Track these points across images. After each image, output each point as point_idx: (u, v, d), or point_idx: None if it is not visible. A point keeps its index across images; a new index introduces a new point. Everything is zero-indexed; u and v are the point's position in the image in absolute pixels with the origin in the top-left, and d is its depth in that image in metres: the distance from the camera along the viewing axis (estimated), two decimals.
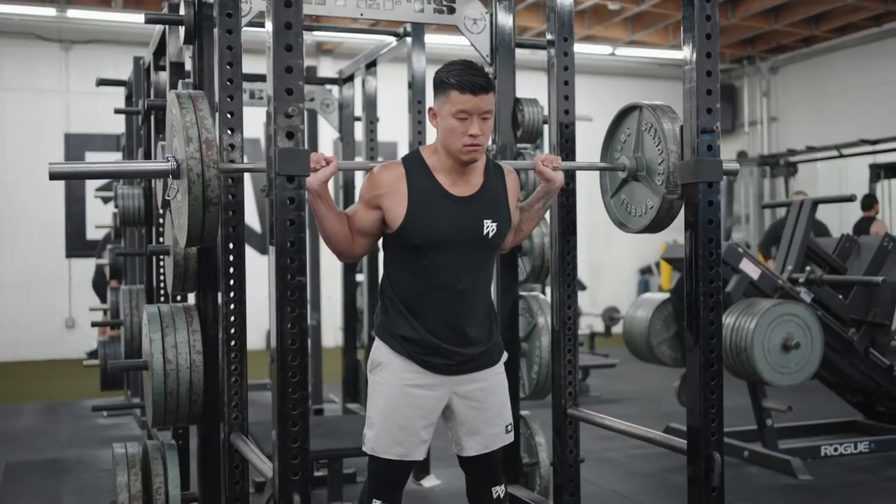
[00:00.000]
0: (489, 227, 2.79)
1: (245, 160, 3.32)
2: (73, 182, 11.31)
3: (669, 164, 2.88)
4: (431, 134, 5.15)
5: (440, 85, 2.72)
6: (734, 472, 5.04)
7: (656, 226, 3.04)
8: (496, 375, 2.91)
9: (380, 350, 2.83)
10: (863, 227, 9.03)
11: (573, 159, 3.49)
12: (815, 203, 5.86)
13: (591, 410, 3.47)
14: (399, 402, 2.77)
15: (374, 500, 2.77)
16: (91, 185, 11.04)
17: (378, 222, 2.77)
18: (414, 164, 2.79)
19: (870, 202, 9.50)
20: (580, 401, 3.59)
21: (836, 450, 5.38)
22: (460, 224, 2.76)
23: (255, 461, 2.82)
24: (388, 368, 2.80)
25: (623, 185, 3.19)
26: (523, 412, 3.92)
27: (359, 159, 5.96)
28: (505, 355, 2.96)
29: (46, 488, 4.97)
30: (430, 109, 2.79)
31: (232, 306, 3.19)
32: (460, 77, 2.67)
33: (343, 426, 4.70)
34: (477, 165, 2.82)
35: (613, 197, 3.26)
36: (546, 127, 3.81)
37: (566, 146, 3.47)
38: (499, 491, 2.94)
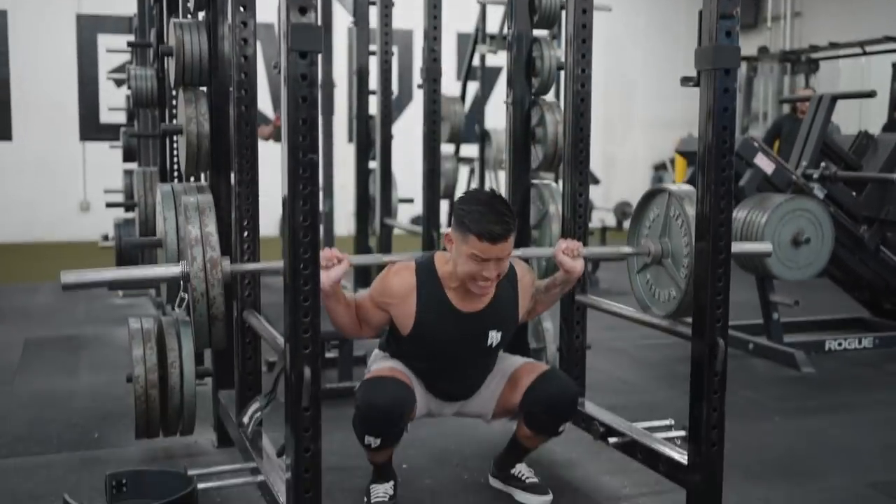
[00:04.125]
0: (493, 337, 2.87)
1: (258, 44, 3.29)
2: (86, 63, 11.25)
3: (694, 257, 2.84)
4: (447, 24, 5.07)
5: (461, 224, 2.68)
6: (738, 363, 5.12)
7: (680, 314, 3.05)
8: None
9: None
10: (894, 127, 8.50)
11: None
12: (834, 98, 5.76)
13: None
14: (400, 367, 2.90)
15: (367, 437, 2.75)
16: (104, 67, 10.96)
17: (385, 321, 2.85)
18: (426, 275, 2.81)
19: None
20: (589, 291, 3.62)
21: (840, 344, 5.43)
22: (465, 337, 2.84)
23: (266, 335, 2.88)
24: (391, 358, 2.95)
25: (649, 266, 3.19)
26: None
27: (373, 47, 5.80)
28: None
29: (64, 362, 5.08)
30: (447, 235, 2.77)
31: (244, 186, 3.22)
32: (480, 224, 2.63)
33: None
34: None
35: (639, 274, 3.26)
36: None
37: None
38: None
